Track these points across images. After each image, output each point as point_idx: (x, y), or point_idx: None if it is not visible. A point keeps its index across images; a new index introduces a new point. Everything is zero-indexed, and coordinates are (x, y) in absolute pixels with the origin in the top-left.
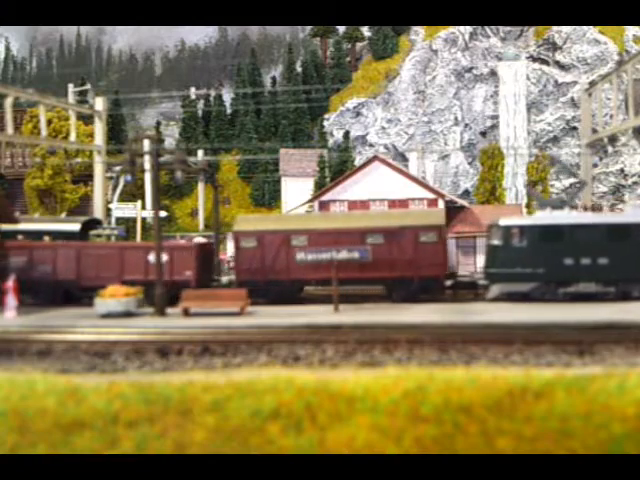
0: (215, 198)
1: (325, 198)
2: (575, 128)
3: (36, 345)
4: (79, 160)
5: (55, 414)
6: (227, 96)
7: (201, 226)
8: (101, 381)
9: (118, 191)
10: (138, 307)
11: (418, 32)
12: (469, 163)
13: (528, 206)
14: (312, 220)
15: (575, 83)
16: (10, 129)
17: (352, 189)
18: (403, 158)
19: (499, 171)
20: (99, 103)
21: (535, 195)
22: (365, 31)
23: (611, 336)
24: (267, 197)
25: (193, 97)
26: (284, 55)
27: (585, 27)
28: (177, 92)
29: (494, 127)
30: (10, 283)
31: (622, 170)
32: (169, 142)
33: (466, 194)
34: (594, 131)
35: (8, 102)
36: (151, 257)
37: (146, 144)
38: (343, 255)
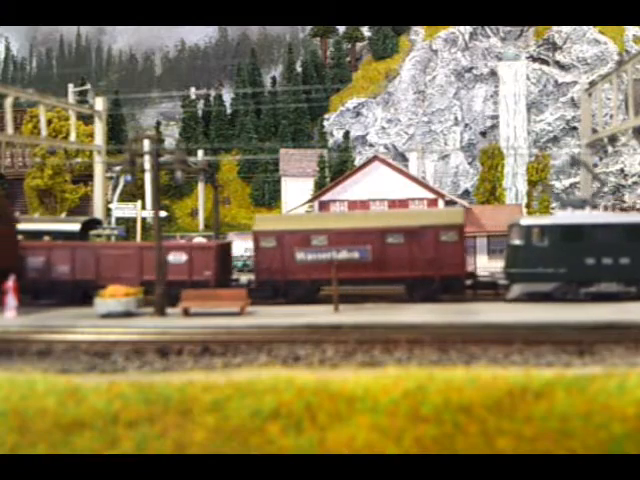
0: (215, 198)
1: (325, 198)
2: (575, 128)
3: (36, 345)
4: (79, 160)
5: (55, 414)
6: (227, 96)
7: (201, 226)
8: (101, 381)
9: (118, 191)
10: (138, 307)
11: (418, 32)
12: (469, 163)
13: (528, 206)
14: (332, 220)
15: (575, 83)
16: (10, 129)
17: (352, 189)
18: (403, 158)
19: (499, 171)
20: (99, 103)
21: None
22: (365, 31)
23: (611, 336)
24: (267, 197)
25: (193, 97)
26: (284, 55)
27: (585, 27)
28: (177, 92)
29: (494, 127)
30: (10, 283)
31: (622, 170)
32: (169, 142)
33: (466, 194)
34: (594, 131)
35: (8, 102)
36: (171, 257)
37: (146, 144)
38: (343, 255)
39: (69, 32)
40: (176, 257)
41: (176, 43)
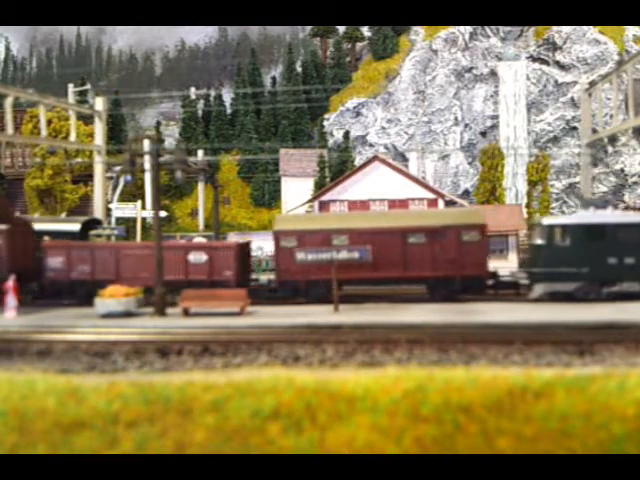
0: (215, 198)
1: (325, 198)
2: (575, 128)
3: (36, 345)
4: (79, 160)
5: (55, 414)
6: (227, 96)
7: (201, 226)
8: (101, 381)
9: (118, 191)
10: (138, 307)
11: (418, 32)
12: (469, 163)
13: (528, 206)
14: (353, 219)
15: (575, 83)
16: (10, 129)
17: (352, 189)
18: (403, 158)
19: (499, 171)
20: (99, 103)
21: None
22: (365, 31)
23: (611, 336)
24: (267, 197)
25: (193, 97)
26: (284, 55)
27: (585, 27)
28: (177, 92)
29: (494, 127)
30: (10, 283)
31: (622, 170)
32: (169, 142)
33: (466, 194)
34: (594, 131)
35: (8, 102)
36: (191, 257)
37: (146, 144)
38: (343, 255)
39: (69, 32)
40: (196, 257)
41: (176, 43)
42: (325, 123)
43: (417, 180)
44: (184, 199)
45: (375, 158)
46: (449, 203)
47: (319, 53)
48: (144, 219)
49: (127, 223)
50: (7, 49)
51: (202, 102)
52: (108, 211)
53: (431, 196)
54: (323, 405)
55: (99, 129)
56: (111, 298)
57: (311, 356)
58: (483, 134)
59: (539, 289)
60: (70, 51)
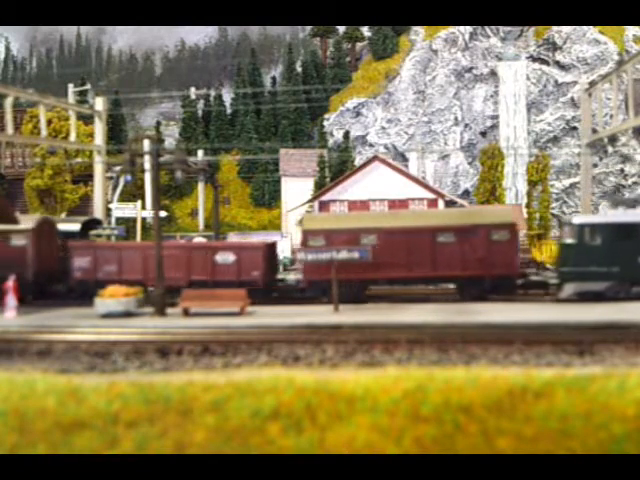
0: (215, 198)
1: (325, 198)
2: (575, 128)
3: (36, 345)
4: (79, 160)
5: (55, 414)
6: (227, 96)
7: (201, 226)
8: (101, 381)
9: (118, 191)
10: (138, 307)
11: (418, 32)
12: (469, 163)
13: (528, 206)
14: (381, 218)
15: (575, 83)
16: (10, 129)
17: (352, 189)
18: (403, 158)
19: (499, 171)
20: (99, 103)
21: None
22: (365, 31)
23: (611, 336)
24: (267, 197)
25: (193, 97)
26: (284, 55)
27: (585, 27)
28: (177, 92)
29: (494, 127)
30: (10, 283)
31: (622, 170)
32: (169, 142)
33: (466, 194)
34: (594, 131)
35: (8, 102)
36: (219, 257)
37: (146, 144)
38: (343, 255)
39: (69, 32)
40: (224, 257)
41: (176, 43)
42: (325, 123)
43: (417, 180)
44: (184, 199)
45: (375, 158)
46: (449, 203)
47: (319, 53)
48: (144, 219)
49: (127, 223)
50: (7, 49)
51: (202, 102)
52: (108, 211)
53: (431, 196)
54: (323, 405)
55: (99, 129)
56: (111, 298)
57: (311, 356)
58: (483, 134)
59: (569, 289)
60: (70, 51)
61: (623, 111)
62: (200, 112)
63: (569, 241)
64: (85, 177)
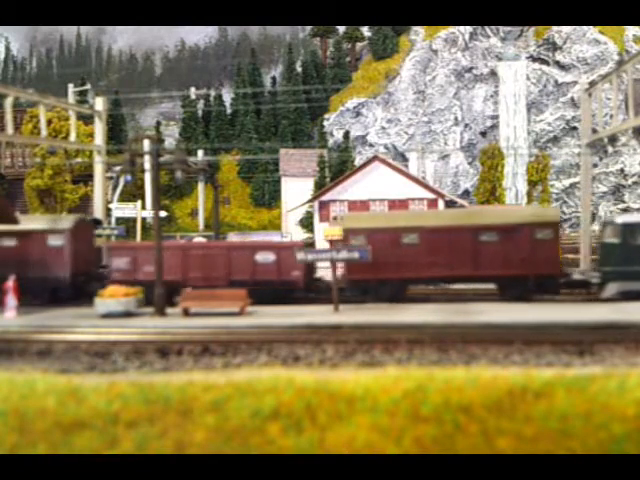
0: (215, 198)
1: (325, 198)
2: (575, 128)
3: (36, 345)
4: (79, 160)
5: (55, 414)
6: (227, 96)
7: (201, 226)
8: (101, 381)
9: (118, 191)
10: (138, 307)
11: (418, 32)
12: (469, 163)
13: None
14: (423, 217)
15: (575, 83)
16: (10, 129)
17: (352, 189)
18: (403, 158)
19: (499, 171)
20: (99, 103)
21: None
22: (365, 31)
23: (611, 336)
24: (267, 197)
25: (193, 97)
26: (284, 55)
27: (585, 27)
28: (177, 92)
29: (494, 127)
30: (10, 283)
31: (622, 170)
32: (169, 142)
33: (466, 194)
34: (594, 131)
35: (8, 102)
36: (259, 257)
37: (146, 144)
38: (343, 255)
39: (69, 32)
40: (264, 257)
41: (176, 43)
42: (325, 123)
43: (417, 180)
44: (184, 199)
45: (375, 158)
46: (449, 203)
47: (319, 53)
48: (144, 219)
49: (127, 223)
50: (7, 49)
51: (202, 102)
52: (108, 211)
53: (431, 196)
54: (323, 405)
55: (99, 129)
56: (111, 298)
57: (311, 356)
58: (483, 134)
59: (612, 288)
60: (70, 51)
61: (623, 111)
62: (200, 112)
63: (612, 241)
64: (85, 177)
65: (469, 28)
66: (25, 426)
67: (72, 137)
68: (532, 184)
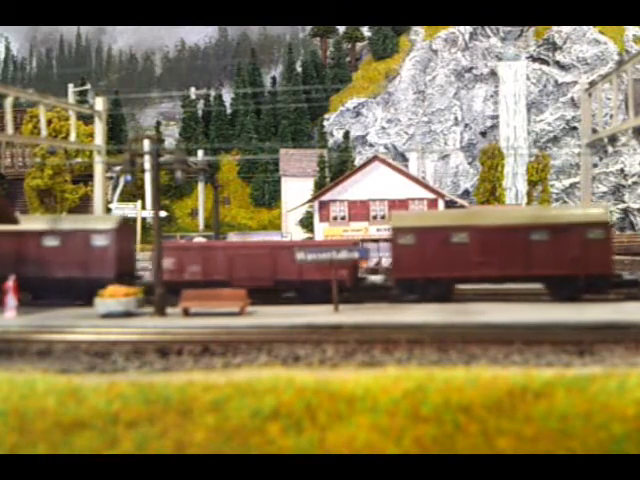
0: (215, 198)
1: (325, 198)
2: (575, 128)
3: (36, 345)
4: (79, 160)
5: (55, 414)
6: (227, 96)
7: (201, 226)
8: (101, 381)
9: (118, 191)
10: (138, 307)
11: (418, 32)
12: (469, 163)
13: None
14: (472, 216)
15: (575, 83)
16: (10, 129)
17: (352, 189)
18: (403, 158)
19: (499, 171)
20: (99, 103)
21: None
22: (365, 31)
23: (611, 336)
24: (267, 197)
25: (193, 97)
26: (284, 55)
27: (585, 27)
28: (177, 92)
29: (494, 127)
30: (10, 283)
31: (622, 170)
32: (169, 142)
33: (466, 194)
34: (594, 131)
35: (8, 102)
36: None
37: (146, 144)
38: (343, 255)
39: (69, 32)
40: None
41: (176, 43)
42: (325, 123)
43: (417, 180)
44: (184, 199)
45: (375, 158)
46: (449, 203)
47: (319, 53)
48: (144, 219)
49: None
50: (7, 49)
51: (202, 102)
52: (108, 211)
53: (431, 196)
54: (323, 405)
55: (99, 129)
56: (111, 298)
57: (311, 356)
58: (483, 134)
59: None
60: (70, 51)
61: (623, 111)
62: (200, 112)
63: None
64: (85, 177)
65: (469, 28)
66: (25, 426)
67: (72, 137)
68: (532, 184)
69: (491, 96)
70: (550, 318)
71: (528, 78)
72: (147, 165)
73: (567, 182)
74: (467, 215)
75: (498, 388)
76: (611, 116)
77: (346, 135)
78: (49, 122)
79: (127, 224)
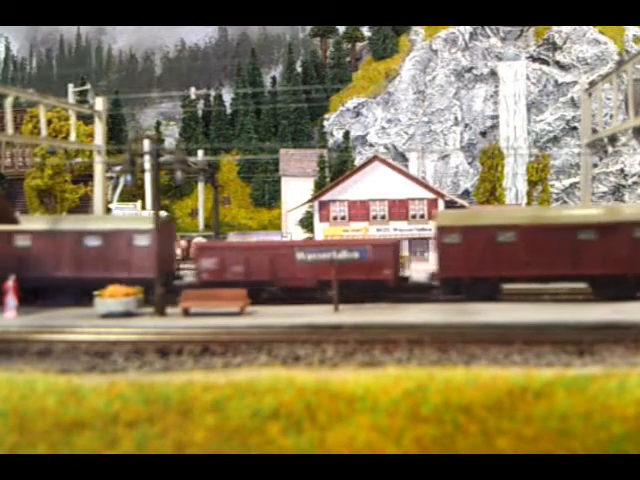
0: (215, 198)
1: (325, 198)
2: (575, 128)
3: (36, 345)
4: (79, 160)
5: (55, 414)
6: (227, 96)
7: (201, 226)
8: (101, 381)
9: (118, 191)
10: (138, 307)
11: (418, 32)
12: (469, 163)
13: (528, 206)
14: (519, 215)
15: (575, 83)
16: (10, 129)
17: (352, 189)
18: (403, 158)
19: (499, 171)
20: (99, 103)
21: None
22: (365, 31)
23: (611, 336)
24: (267, 197)
25: (193, 97)
26: (284, 55)
27: (585, 27)
28: (177, 92)
29: (494, 127)
30: (10, 283)
31: (622, 170)
32: (169, 142)
33: (466, 194)
34: (594, 131)
35: (8, 102)
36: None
37: (146, 144)
38: (343, 255)
39: (69, 32)
40: (352, 255)
41: (176, 43)
42: (325, 123)
43: (417, 180)
44: (184, 199)
45: (375, 158)
46: (449, 203)
47: (319, 53)
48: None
49: None
50: (7, 49)
51: (202, 102)
52: (108, 211)
53: (431, 196)
54: (323, 405)
55: (99, 129)
56: (111, 298)
57: (311, 356)
58: (483, 134)
59: None
60: (70, 51)
61: (623, 111)
62: (200, 112)
63: None
64: (85, 177)
65: (469, 28)
66: (25, 426)
67: (72, 137)
68: (532, 184)
69: (491, 96)
70: (550, 318)
71: (528, 78)
72: (147, 165)
73: (567, 182)
74: (513, 213)
75: (498, 388)
76: (611, 116)
77: (346, 135)
78: (49, 122)
79: (168, 223)
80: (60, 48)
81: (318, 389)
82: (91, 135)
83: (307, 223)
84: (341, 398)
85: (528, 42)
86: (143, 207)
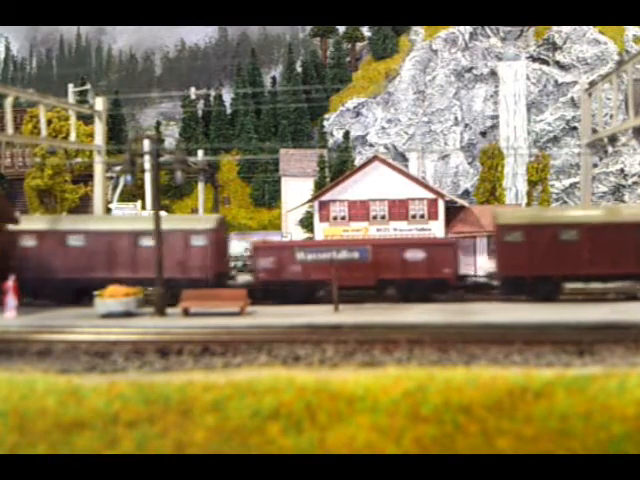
0: (215, 198)
1: (325, 198)
2: (575, 128)
3: (36, 345)
4: (79, 160)
5: (55, 414)
6: (227, 96)
7: None
8: (101, 381)
9: (118, 191)
10: (138, 307)
11: (418, 32)
12: (469, 163)
13: (528, 206)
14: (581, 213)
15: (575, 83)
16: (10, 129)
17: (352, 189)
18: (403, 158)
19: (499, 171)
20: (99, 103)
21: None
22: (365, 31)
23: (611, 336)
24: (267, 197)
25: (193, 97)
26: (284, 55)
27: (585, 27)
28: (177, 92)
29: (494, 127)
30: (10, 283)
31: (622, 170)
32: (169, 142)
33: (466, 194)
34: (594, 131)
35: (8, 102)
36: (408, 255)
37: (146, 144)
38: (343, 255)
39: (69, 32)
40: (414, 255)
41: (176, 43)
42: (325, 123)
43: (417, 180)
44: (184, 199)
45: (375, 158)
46: (449, 203)
47: (319, 53)
48: None
49: None
50: (7, 49)
51: (202, 102)
52: (108, 211)
53: (431, 196)
54: (323, 405)
55: (99, 129)
56: (111, 298)
57: (311, 356)
58: (483, 134)
59: None
60: (70, 51)
61: (623, 111)
62: (200, 112)
63: None
64: (85, 177)
65: (469, 28)
66: (25, 426)
67: (72, 137)
68: (532, 184)
69: (491, 96)
70: (550, 318)
71: (528, 78)
72: (147, 165)
73: (567, 182)
74: (576, 212)
75: (498, 388)
76: (611, 116)
77: (346, 135)
78: (49, 122)
79: (222, 224)
80: (60, 48)
81: (318, 389)
82: (91, 135)
83: (307, 223)
84: (341, 398)
85: (528, 42)
86: (143, 207)
